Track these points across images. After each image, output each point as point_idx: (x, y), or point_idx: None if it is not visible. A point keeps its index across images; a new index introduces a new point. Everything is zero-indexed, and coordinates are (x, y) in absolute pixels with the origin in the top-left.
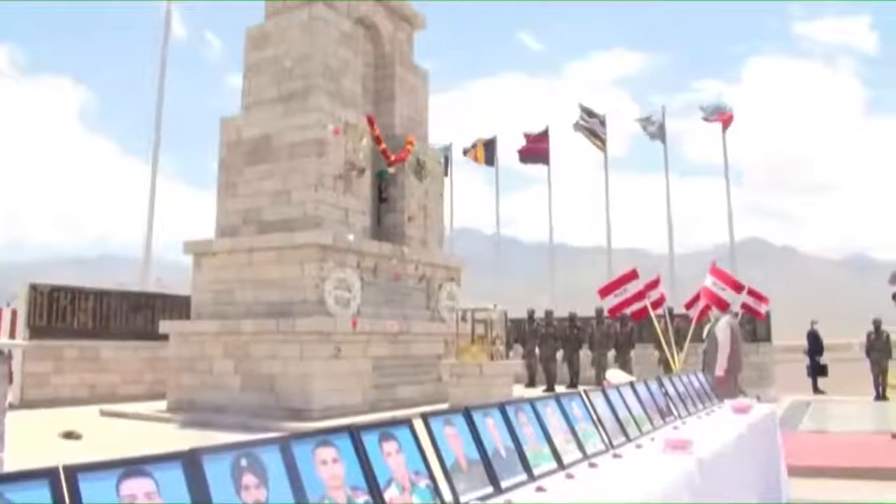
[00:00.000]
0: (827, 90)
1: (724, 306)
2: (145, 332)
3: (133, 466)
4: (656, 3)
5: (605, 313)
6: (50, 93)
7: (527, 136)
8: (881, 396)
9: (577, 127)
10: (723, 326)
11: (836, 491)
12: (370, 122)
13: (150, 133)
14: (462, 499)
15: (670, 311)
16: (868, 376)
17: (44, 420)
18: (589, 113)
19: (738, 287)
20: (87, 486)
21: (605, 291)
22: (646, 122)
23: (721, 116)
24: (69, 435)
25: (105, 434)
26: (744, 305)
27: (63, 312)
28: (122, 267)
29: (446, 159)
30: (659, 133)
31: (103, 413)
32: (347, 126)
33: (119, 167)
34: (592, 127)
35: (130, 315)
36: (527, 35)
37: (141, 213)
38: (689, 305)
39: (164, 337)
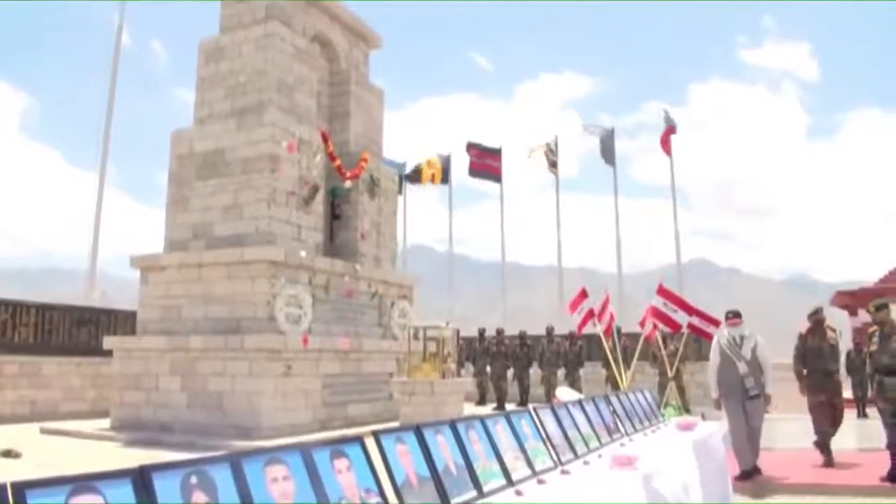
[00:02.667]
0: (771, 115)
1: (675, 327)
2: (89, 348)
3: (82, 483)
4: (605, 29)
5: (564, 331)
6: None
7: (471, 146)
8: None
9: (533, 154)
10: (762, 344)
11: None
12: (324, 138)
13: (97, 144)
14: None
15: (618, 330)
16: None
17: None
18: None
19: (688, 309)
20: None
21: (573, 307)
22: (602, 134)
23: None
24: (7, 453)
25: (46, 452)
26: (690, 326)
27: (3, 327)
28: (66, 280)
29: (400, 177)
30: (607, 152)
31: (44, 431)
32: (301, 142)
33: (63, 177)
34: (547, 154)
35: (74, 330)
36: (479, 56)
37: (86, 226)
38: (642, 324)
39: (109, 353)
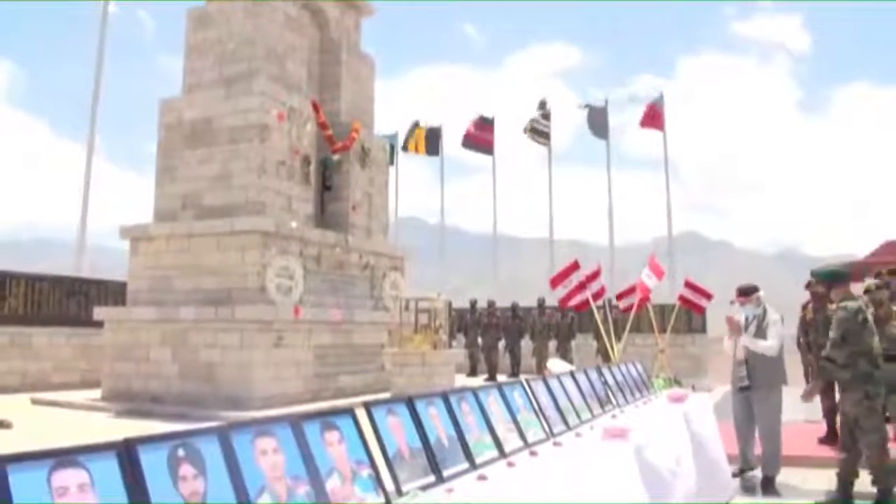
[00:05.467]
0: (762, 88)
1: (645, 290)
2: (79, 319)
3: (66, 457)
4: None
5: (555, 303)
6: None
7: (473, 123)
8: None
9: (527, 130)
10: (774, 322)
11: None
12: (315, 107)
13: (84, 114)
14: (404, 488)
15: (609, 302)
16: (799, 367)
17: None
18: (542, 115)
19: (659, 273)
20: (16, 478)
21: (554, 282)
22: (590, 109)
23: (652, 112)
24: None
25: (36, 423)
26: (681, 297)
27: None
28: (55, 251)
29: (392, 148)
30: (600, 127)
31: (35, 402)
32: (292, 111)
33: (50, 148)
34: (539, 127)
35: (64, 301)
36: (469, 26)
37: (75, 196)
38: (620, 297)
39: (99, 324)
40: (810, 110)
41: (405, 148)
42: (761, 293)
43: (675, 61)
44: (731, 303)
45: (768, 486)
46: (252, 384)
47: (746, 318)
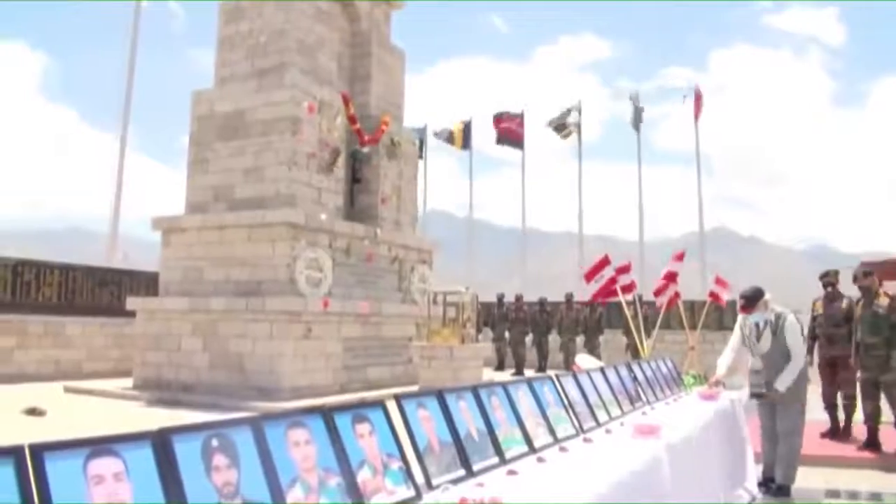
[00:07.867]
0: (795, 82)
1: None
2: (112, 308)
3: (101, 446)
4: None
5: (585, 297)
6: (5, 59)
7: (498, 118)
8: None
9: (553, 124)
10: (790, 326)
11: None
12: (345, 100)
13: (116, 105)
14: (434, 481)
15: (639, 297)
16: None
17: (6, 396)
18: (563, 115)
19: (679, 257)
20: (53, 466)
21: (589, 276)
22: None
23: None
24: (33, 411)
25: (70, 411)
26: (711, 294)
27: (28, 287)
28: (88, 242)
29: (421, 141)
30: (634, 120)
31: (68, 390)
32: (322, 104)
33: (82, 139)
34: (565, 120)
35: (97, 290)
36: (497, 18)
37: (108, 187)
38: (658, 293)
39: (131, 313)
40: (844, 104)
41: (451, 142)
42: (768, 296)
43: (708, 54)
44: (738, 313)
45: (781, 493)
46: (281, 375)
47: (757, 325)
